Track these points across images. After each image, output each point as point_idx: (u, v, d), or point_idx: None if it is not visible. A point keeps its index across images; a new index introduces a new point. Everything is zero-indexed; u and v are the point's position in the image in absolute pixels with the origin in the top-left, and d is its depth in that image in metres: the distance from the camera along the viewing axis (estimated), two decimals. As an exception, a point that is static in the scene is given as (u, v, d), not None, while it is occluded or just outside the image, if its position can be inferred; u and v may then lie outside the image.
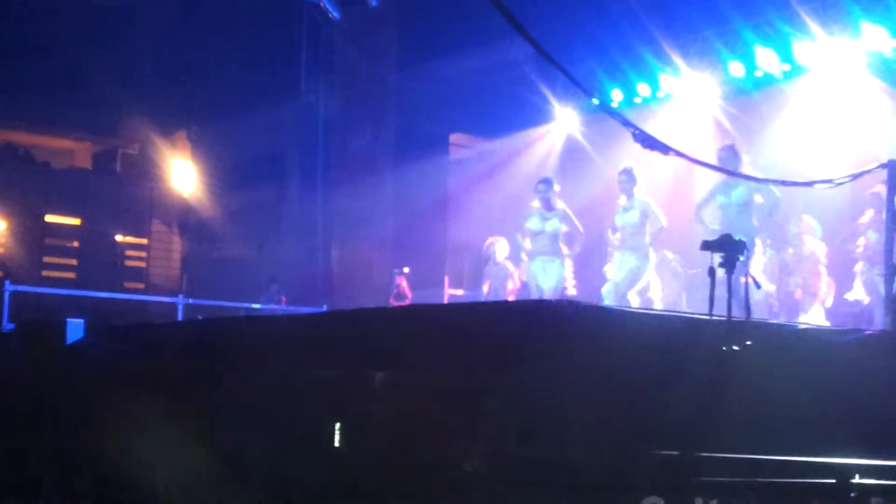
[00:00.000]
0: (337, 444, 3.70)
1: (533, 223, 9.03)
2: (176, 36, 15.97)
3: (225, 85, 15.50)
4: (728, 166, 7.44)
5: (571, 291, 9.29)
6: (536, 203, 9.04)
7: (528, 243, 9.15)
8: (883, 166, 5.50)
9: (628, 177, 8.73)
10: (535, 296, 9.10)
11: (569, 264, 9.17)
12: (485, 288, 10.64)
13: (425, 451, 3.46)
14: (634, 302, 8.62)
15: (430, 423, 3.53)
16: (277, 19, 14.79)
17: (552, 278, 8.95)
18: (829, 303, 9.49)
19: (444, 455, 3.39)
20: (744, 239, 4.52)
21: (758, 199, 7.77)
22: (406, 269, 12.17)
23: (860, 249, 8.82)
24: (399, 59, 14.27)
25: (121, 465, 4.44)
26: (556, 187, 9.10)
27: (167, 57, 16.25)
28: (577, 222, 9.04)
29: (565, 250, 9.05)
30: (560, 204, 9.06)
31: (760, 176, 7.69)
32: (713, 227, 8.13)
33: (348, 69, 14.76)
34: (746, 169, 7.75)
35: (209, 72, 15.43)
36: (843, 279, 9.64)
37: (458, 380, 3.51)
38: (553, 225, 8.95)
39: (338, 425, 3.70)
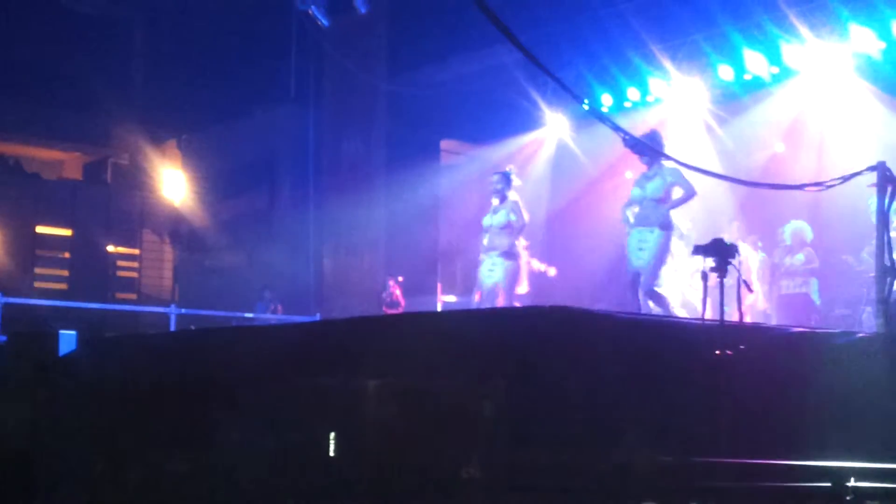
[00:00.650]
0: (332, 452, 3.69)
1: (486, 219, 8.48)
2: (165, 45, 15.94)
3: (215, 93, 15.47)
4: (649, 151, 7.19)
5: (523, 289, 8.47)
6: (495, 200, 8.44)
7: (486, 241, 8.54)
8: (872, 168, 5.52)
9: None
10: (475, 296, 8.45)
11: (523, 259, 8.47)
12: (475, 296, 10.54)
13: (421, 459, 3.45)
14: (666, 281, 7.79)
15: (425, 429, 3.52)
16: (267, 27, 14.77)
17: (496, 275, 8.26)
18: (760, 305, 9.60)
19: (440, 462, 3.39)
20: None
21: (677, 192, 7.37)
22: (400, 278, 12.13)
23: None
24: (389, 66, 14.28)
25: (114, 475, 4.42)
26: (516, 181, 8.52)
27: (157, 66, 16.21)
28: (523, 211, 8.39)
29: (510, 241, 8.33)
30: (513, 195, 8.40)
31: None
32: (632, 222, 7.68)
33: (338, 76, 14.75)
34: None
35: (199, 80, 15.40)
36: (833, 284, 9.69)
37: (453, 386, 3.50)
38: (500, 218, 8.30)
39: (332, 434, 3.69)
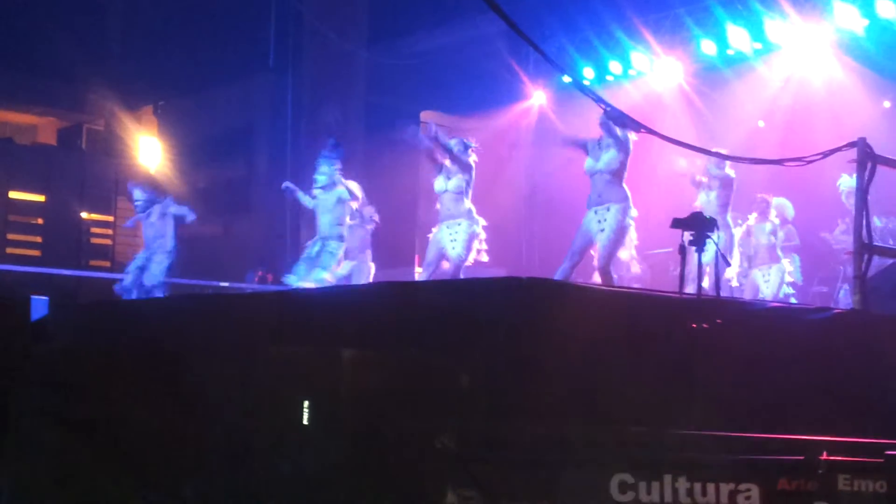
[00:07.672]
0: (306, 421, 3.66)
1: (438, 183, 7.92)
2: (142, 9, 15.69)
3: (192, 60, 15.25)
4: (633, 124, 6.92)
5: (483, 258, 8.11)
6: (447, 162, 7.93)
7: (441, 208, 8.02)
8: (852, 145, 5.51)
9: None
10: (434, 264, 7.99)
11: (480, 225, 8.06)
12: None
13: (394, 429, 3.44)
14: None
15: (399, 400, 3.50)
16: (246, -7, 14.57)
17: (459, 244, 7.82)
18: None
19: (413, 432, 3.37)
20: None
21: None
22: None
23: None
24: (369, 35, 14.13)
25: (86, 443, 4.37)
26: (474, 143, 7.98)
27: (133, 30, 15.97)
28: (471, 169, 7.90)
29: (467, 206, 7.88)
30: (471, 159, 7.86)
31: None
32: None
33: (317, 45, 14.57)
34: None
35: (176, 46, 15.17)
36: (811, 261, 9.75)
37: (427, 356, 3.48)
38: (456, 182, 7.80)
39: (306, 403, 3.67)
